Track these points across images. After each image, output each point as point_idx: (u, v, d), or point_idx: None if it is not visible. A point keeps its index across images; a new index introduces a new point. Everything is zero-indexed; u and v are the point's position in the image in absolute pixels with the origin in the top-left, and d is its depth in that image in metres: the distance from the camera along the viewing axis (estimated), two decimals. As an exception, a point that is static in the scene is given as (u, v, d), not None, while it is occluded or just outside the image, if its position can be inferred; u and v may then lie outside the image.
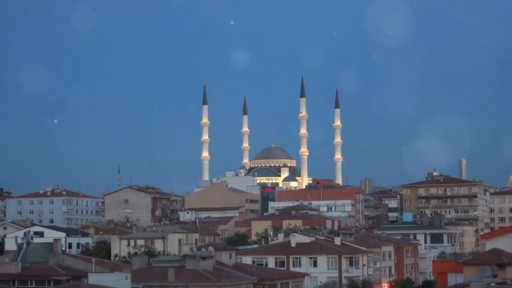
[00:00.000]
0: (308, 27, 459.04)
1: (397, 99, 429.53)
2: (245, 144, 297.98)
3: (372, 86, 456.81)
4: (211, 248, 79.44)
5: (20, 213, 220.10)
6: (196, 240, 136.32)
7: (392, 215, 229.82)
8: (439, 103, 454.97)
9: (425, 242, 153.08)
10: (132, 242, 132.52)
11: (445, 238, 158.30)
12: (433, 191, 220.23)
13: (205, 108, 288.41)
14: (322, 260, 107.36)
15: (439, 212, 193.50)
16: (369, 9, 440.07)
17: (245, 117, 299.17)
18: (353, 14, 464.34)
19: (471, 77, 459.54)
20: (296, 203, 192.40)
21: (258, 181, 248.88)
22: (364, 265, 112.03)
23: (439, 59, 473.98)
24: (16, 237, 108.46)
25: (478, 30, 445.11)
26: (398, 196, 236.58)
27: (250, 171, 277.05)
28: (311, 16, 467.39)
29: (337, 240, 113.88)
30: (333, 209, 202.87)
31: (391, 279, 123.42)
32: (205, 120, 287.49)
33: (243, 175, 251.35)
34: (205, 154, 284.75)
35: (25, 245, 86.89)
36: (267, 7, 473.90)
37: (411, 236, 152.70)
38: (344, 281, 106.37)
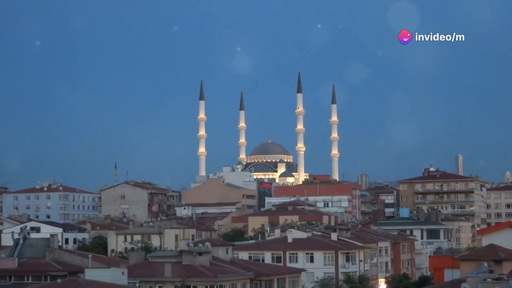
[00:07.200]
0: (306, 21, 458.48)
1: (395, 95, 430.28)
2: (242, 140, 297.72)
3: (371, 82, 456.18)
4: (207, 244, 79.57)
5: (17, 208, 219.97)
6: (192, 235, 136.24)
7: (388, 210, 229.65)
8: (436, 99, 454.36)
9: (422, 238, 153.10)
10: (128, 238, 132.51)
11: (441, 233, 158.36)
12: (429, 186, 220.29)
13: (202, 103, 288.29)
14: (318, 255, 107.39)
15: (435, 207, 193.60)
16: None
17: (242, 113, 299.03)
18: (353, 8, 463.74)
19: (466, 74, 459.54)
20: (292, 199, 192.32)
21: (254, 177, 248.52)
22: (361, 260, 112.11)
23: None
24: (12, 233, 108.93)
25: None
26: (395, 192, 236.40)
27: (247, 167, 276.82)
28: (309, 10, 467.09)
29: (334, 236, 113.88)
30: (329, 205, 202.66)
31: (387, 274, 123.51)
32: (201, 115, 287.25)
33: (239, 170, 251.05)
34: (202, 149, 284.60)
35: (21, 241, 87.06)
36: (264, 2, 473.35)
37: (408, 232, 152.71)
38: (341, 276, 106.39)
